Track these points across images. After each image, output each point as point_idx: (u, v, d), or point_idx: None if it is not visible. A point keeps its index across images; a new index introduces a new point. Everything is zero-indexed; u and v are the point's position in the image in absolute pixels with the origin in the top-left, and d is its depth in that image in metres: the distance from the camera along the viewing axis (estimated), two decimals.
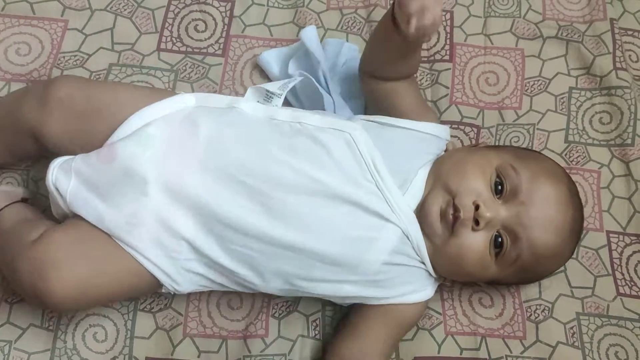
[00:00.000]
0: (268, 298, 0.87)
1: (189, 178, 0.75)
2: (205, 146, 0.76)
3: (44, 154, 0.82)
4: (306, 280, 0.77)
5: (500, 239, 0.77)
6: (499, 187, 0.78)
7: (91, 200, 0.75)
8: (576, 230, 0.81)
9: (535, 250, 0.77)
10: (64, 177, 0.76)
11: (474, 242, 0.76)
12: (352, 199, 0.75)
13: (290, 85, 0.84)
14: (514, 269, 0.78)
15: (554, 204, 0.77)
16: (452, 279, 0.84)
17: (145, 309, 0.86)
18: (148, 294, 0.85)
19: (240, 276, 0.77)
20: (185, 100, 0.81)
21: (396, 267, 0.77)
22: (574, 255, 0.91)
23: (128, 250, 0.74)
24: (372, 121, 0.83)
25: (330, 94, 0.91)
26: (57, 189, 0.76)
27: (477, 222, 0.75)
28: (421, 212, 0.77)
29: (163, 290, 0.79)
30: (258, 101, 0.83)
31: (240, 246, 0.75)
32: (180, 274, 0.77)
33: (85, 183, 0.76)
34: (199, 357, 0.84)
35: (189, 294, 0.86)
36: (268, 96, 0.83)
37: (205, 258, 0.76)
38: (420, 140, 0.82)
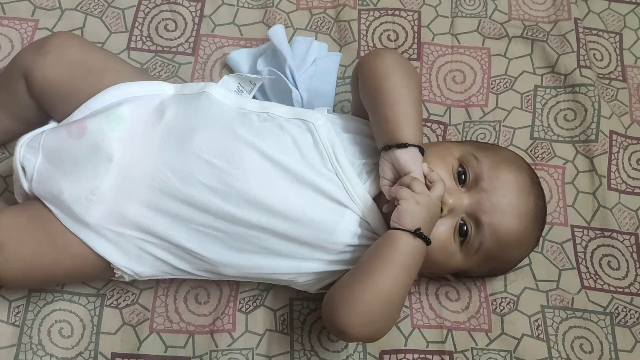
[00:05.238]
0: (235, 292, 0.87)
1: (152, 158, 0.76)
2: (171, 127, 0.77)
3: (29, 115, 0.85)
4: (268, 257, 0.77)
5: (465, 227, 0.78)
6: (462, 177, 0.79)
7: (53, 175, 0.76)
8: (539, 217, 0.81)
9: (498, 236, 0.77)
10: (31, 155, 0.77)
11: (438, 229, 0.76)
12: (314, 185, 0.76)
13: (263, 79, 0.85)
14: (479, 257, 0.79)
15: (515, 190, 0.78)
16: (420, 270, 0.84)
17: (112, 305, 0.86)
18: (100, 279, 0.85)
19: (200, 257, 0.77)
20: (164, 88, 0.83)
21: (361, 248, 0.77)
22: (539, 249, 0.92)
23: (75, 232, 0.76)
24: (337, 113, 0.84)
25: (298, 90, 0.92)
26: (23, 168, 0.77)
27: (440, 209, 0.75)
28: (383, 199, 0.78)
29: (116, 275, 0.79)
30: (229, 90, 0.84)
31: (203, 226, 0.75)
32: (137, 256, 0.77)
33: (50, 159, 0.77)
34: (165, 352, 0.84)
35: (156, 289, 0.86)
36: (240, 90, 0.84)
37: (162, 240, 0.76)
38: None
